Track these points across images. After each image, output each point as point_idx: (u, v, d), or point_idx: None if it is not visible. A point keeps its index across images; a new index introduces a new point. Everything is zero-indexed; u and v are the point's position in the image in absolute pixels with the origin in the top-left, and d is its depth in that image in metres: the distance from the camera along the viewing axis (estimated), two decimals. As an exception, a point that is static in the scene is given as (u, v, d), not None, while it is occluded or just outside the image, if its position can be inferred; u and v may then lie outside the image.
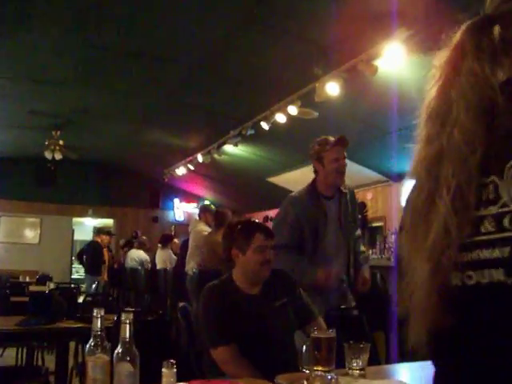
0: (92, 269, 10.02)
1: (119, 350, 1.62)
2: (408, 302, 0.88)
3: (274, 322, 2.74)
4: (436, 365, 0.92)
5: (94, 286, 8.91)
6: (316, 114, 7.21)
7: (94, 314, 1.68)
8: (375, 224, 10.00)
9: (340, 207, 3.63)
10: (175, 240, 10.24)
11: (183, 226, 14.06)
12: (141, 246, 10.96)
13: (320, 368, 2.01)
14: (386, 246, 8.98)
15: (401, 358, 2.60)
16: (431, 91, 1.00)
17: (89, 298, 5.60)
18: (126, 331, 1.62)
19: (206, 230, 7.02)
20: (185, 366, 2.49)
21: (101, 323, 1.68)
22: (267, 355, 2.61)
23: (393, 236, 8.88)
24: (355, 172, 9.27)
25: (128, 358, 1.61)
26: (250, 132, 8.12)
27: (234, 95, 7.42)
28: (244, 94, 7.32)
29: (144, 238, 11.38)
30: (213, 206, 7.62)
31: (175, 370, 1.77)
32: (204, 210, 7.42)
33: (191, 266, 7.28)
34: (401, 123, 7.17)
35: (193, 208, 14.81)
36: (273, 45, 5.95)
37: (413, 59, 5.49)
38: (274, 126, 7.54)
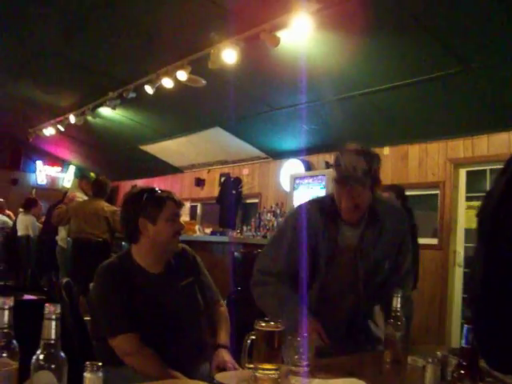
0: None
1: (40, 354, 1.23)
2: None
3: (179, 303, 2.46)
4: None
5: None
6: (204, 82, 6.88)
7: (0, 304, 1.27)
8: (250, 200, 9.90)
9: (363, 237, 2.65)
10: (41, 205, 9.48)
11: (45, 190, 13.24)
12: (-1, 209, 10.12)
13: (266, 366, 1.74)
14: (261, 223, 8.88)
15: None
16: None
17: None
18: (52, 329, 1.23)
19: (81, 197, 6.57)
20: (71, 355, 2.14)
21: (9, 317, 1.28)
22: (174, 340, 2.34)
23: (268, 214, 8.82)
24: (234, 146, 9.11)
25: (53, 366, 1.22)
26: (132, 95, 7.61)
27: (117, 53, 6.82)
28: (129, 53, 6.75)
29: (1, 199, 10.50)
30: (92, 174, 7.23)
31: (101, 374, 1.40)
32: (81, 177, 7.12)
33: (62, 235, 6.80)
34: (290, 100, 7.05)
35: (57, 172, 13.96)
36: (167, 0, 5.49)
37: (318, 35, 5.32)
38: (158, 90, 7.10)
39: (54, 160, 13.87)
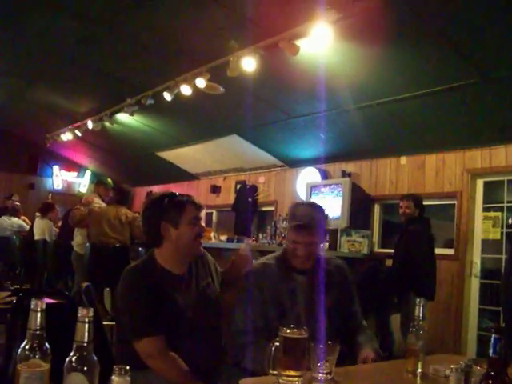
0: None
1: (73, 356, 1.25)
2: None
3: (202, 304, 2.50)
4: None
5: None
6: (222, 89, 6.91)
7: (33, 306, 1.29)
8: (266, 208, 9.91)
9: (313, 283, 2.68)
10: (58, 209, 9.54)
11: (61, 195, 13.31)
12: (15, 213, 10.16)
13: (289, 372, 1.75)
14: (277, 231, 8.88)
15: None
16: None
17: None
18: (85, 332, 1.25)
19: (98, 202, 6.61)
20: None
21: (41, 319, 1.30)
22: (196, 341, 2.38)
23: (284, 222, 8.81)
24: (251, 154, 9.13)
25: (85, 369, 1.24)
26: (150, 102, 7.65)
27: (136, 59, 6.86)
28: (148, 60, 6.79)
29: (17, 203, 10.57)
30: (110, 180, 7.29)
31: (129, 377, 1.42)
32: (98, 183, 7.18)
33: (78, 241, 6.84)
34: (307, 109, 7.06)
35: (73, 177, 14.06)
36: (187, 8, 5.51)
37: (337, 45, 5.34)
38: (176, 97, 7.15)
39: (70, 165, 13.95)
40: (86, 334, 1.26)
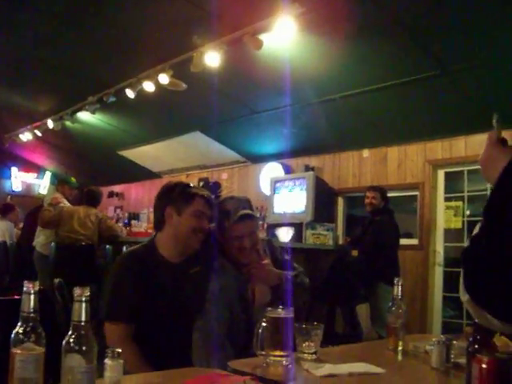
0: None
1: (70, 337, 1.25)
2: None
3: (188, 291, 2.50)
4: None
5: None
6: (185, 86, 6.89)
7: (25, 288, 1.28)
8: (230, 205, 9.90)
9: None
10: (18, 210, 9.36)
11: (20, 197, 13.07)
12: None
13: (277, 353, 1.78)
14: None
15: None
16: None
17: None
18: (82, 312, 1.25)
19: (63, 202, 6.54)
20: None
21: (34, 301, 1.29)
22: (180, 327, 2.37)
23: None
24: (214, 150, 9.13)
25: (84, 348, 1.24)
26: (112, 99, 7.57)
27: (98, 56, 6.78)
28: (110, 56, 6.71)
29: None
30: (73, 179, 7.24)
31: (122, 360, 1.43)
32: (62, 182, 7.13)
33: (41, 241, 6.73)
34: (271, 103, 7.11)
35: (33, 178, 13.82)
36: (150, 2, 5.49)
37: (300, 38, 5.39)
38: (139, 95, 7.10)
39: (29, 166, 13.71)
40: (84, 313, 1.26)
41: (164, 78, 6.49)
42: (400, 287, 2.20)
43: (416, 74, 5.61)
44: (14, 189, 13.58)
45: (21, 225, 9.28)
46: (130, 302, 2.36)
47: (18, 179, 13.62)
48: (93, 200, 6.69)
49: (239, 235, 2.50)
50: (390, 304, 2.21)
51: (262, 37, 5.32)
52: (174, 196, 2.53)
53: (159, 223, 2.57)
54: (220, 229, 2.55)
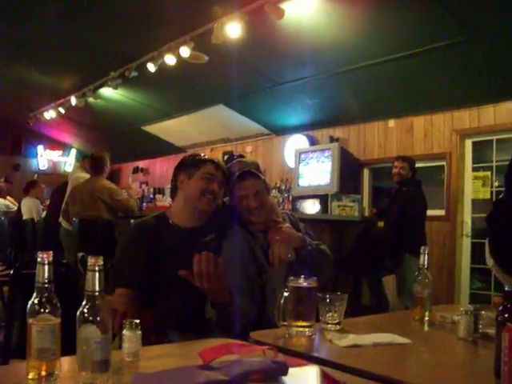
0: None
1: (84, 307, 1.22)
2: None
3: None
4: None
5: None
6: (206, 58, 6.84)
7: (39, 259, 1.25)
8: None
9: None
10: (42, 186, 9.44)
11: (47, 175, 13.20)
12: (0, 194, 10.08)
13: (300, 323, 1.74)
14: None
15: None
16: None
17: None
18: (96, 281, 1.22)
19: (83, 176, 6.50)
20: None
21: (49, 272, 1.26)
22: (190, 292, 2.26)
23: (273, 190, 8.79)
24: (237, 123, 9.07)
25: (98, 319, 1.21)
26: (134, 74, 7.55)
27: (118, 31, 6.75)
28: (130, 30, 6.68)
29: (1, 184, 10.45)
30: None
31: (139, 332, 1.40)
32: (83, 157, 7.02)
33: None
34: (294, 74, 7.01)
35: (58, 156, 13.93)
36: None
37: (323, 6, 5.28)
38: (160, 69, 7.06)
39: (55, 144, 13.82)
40: (97, 283, 1.23)
41: (185, 51, 6.43)
42: (426, 256, 2.14)
43: (443, 40, 5.46)
44: (40, 167, 13.71)
45: (47, 202, 9.36)
46: (135, 269, 2.40)
47: (44, 157, 13.75)
48: (97, 167, 6.23)
49: (244, 194, 2.49)
50: (417, 273, 2.15)
51: (284, 5, 5.23)
52: (185, 163, 2.63)
53: (173, 191, 2.67)
54: (231, 193, 2.59)
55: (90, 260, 1.23)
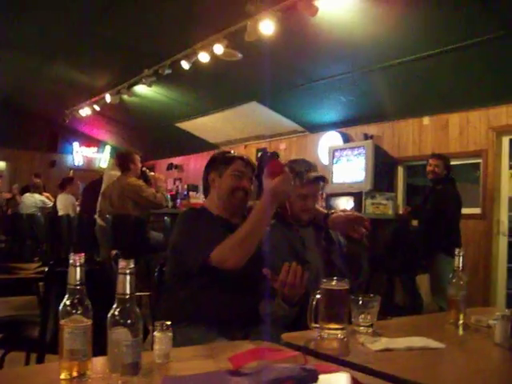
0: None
1: (115, 310, 1.23)
2: None
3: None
4: None
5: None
6: (240, 55, 6.83)
7: (72, 261, 1.26)
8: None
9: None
10: (78, 182, 9.55)
11: (82, 171, 13.38)
12: (36, 190, 10.22)
13: (332, 325, 1.72)
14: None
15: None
16: None
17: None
18: (127, 284, 1.23)
19: (116, 174, 6.55)
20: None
21: (80, 274, 1.27)
22: (239, 288, 2.36)
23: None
24: (271, 120, 9.06)
25: (128, 322, 1.22)
26: (167, 72, 7.59)
27: (152, 29, 6.80)
28: (164, 28, 6.70)
29: (37, 180, 10.60)
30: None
31: (170, 333, 1.40)
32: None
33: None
34: (327, 71, 6.96)
35: (93, 153, 14.10)
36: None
37: (357, 3, 5.22)
38: (194, 66, 7.09)
39: (90, 141, 14.00)
40: (128, 286, 1.23)
41: (219, 48, 6.45)
42: (461, 258, 2.10)
43: (479, 36, 5.36)
44: (75, 163, 13.90)
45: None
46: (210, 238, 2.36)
47: (79, 154, 13.94)
48: (122, 165, 6.19)
49: (306, 194, 2.61)
50: (451, 276, 2.11)
51: (317, 2, 5.19)
52: (215, 161, 2.66)
53: (206, 190, 2.70)
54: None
55: (121, 263, 1.23)
